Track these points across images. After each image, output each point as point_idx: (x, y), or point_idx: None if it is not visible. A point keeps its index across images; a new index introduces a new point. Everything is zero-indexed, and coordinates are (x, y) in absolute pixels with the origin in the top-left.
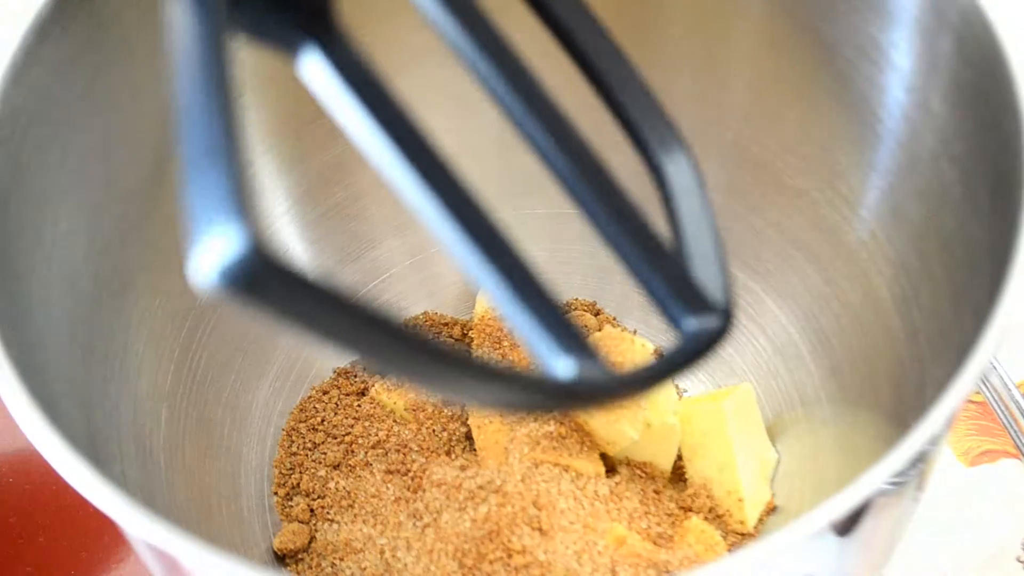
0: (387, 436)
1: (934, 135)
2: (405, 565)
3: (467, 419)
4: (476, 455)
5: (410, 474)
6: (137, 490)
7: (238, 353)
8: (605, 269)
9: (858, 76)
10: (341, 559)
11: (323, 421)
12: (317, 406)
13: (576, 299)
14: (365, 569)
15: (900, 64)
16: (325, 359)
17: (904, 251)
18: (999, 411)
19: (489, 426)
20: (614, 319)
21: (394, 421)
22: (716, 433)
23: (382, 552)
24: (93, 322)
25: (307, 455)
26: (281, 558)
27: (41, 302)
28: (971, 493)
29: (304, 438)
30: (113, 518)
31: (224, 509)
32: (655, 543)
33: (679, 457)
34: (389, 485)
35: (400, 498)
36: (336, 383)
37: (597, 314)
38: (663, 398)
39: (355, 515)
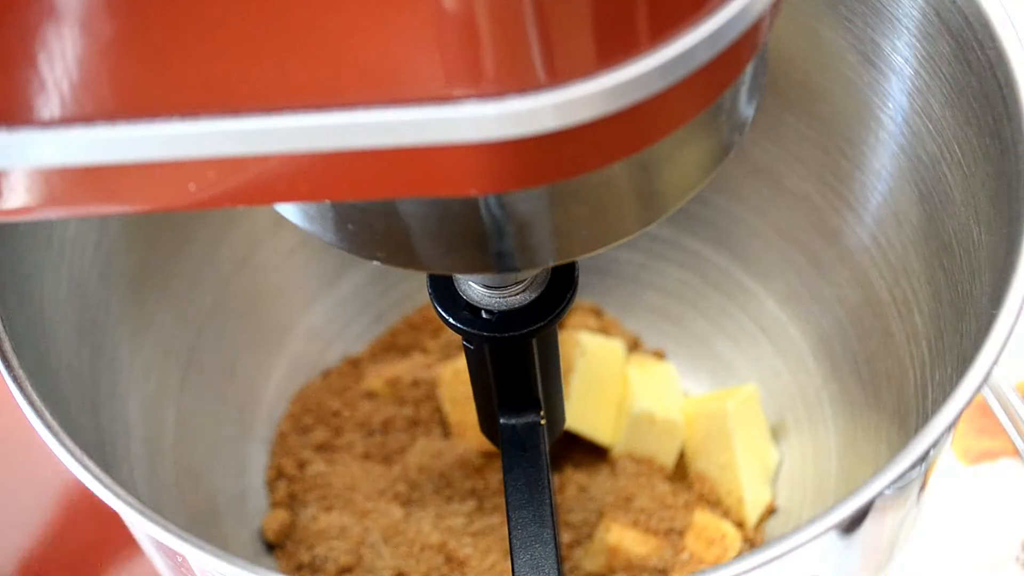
0: (371, 415)
1: (935, 139)
2: (380, 555)
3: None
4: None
5: (391, 458)
6: (146, 489)
7: (245, 355)
8: (607, 271)
9: (860, 80)
10: (313, 546)
11: (319, 405)
12: (317, 391)
13: (578, 301)
14: (338, 559)
15: (902, 69)
16: (330, 361)
17: (905, 254)
18: (999, 411)
19: (463, 403)
20: (617, 321)
21: (379, 400)
22: (719, 433)
23: (357, 541)
24: (102, 323)
25: (297, 439)
26: (273, 545)
27: (51, 303)
28: (971, 492)
29: (297, 421)
30: (122, 516)
31: (231, 508)
32: (666, 538)
33: (682, 456)
34: (368, 470)
35: (379, 486)
36: (340, 369)
37: (600, 316)
38: (669, 393)
39: (330, 502)
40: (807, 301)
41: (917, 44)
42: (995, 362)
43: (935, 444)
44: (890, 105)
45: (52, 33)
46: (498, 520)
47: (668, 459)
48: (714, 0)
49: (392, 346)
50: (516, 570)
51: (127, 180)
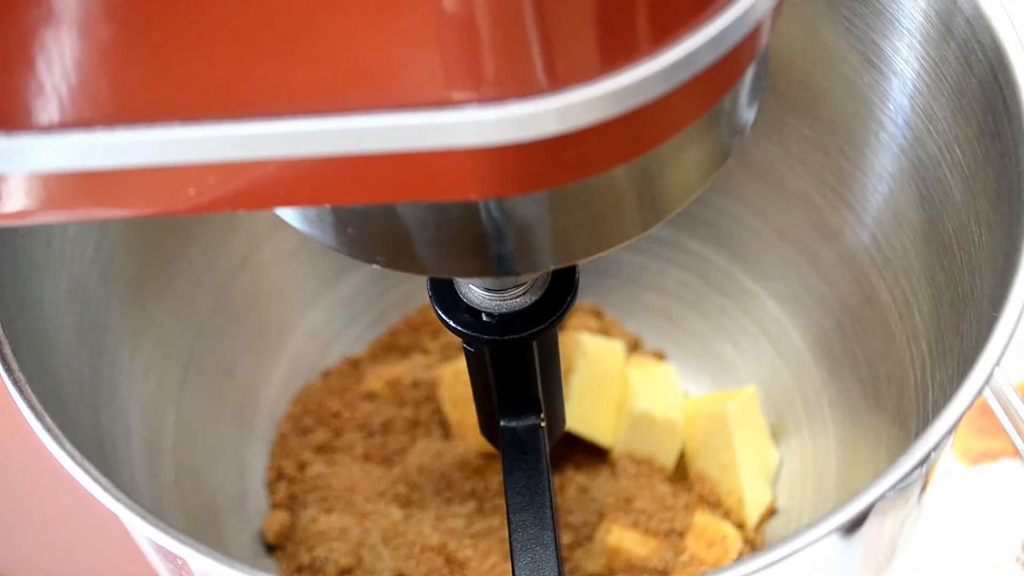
0: (371, 416)
1: (936, 141)
2: (380, 556)
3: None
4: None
5: (391, 459)
6: (146, 490)
7: (245, 355)
8: (607, 272)
9: (860, 81)
10: (313, 548)
11: (319, 406)
12: (317, 392)
13: (578, 302)
14: (338, 560)
15: (903, 70)
16: (330, 362)
17: (906, 255)
18: (999, 411)
19: (463, 404)
20: (617, 322)
21: (379, 401)
22: (719, 434)
23: (357, 543)
24: (102, 324)
25: (297, 440)
26: (273, 547)
27: (51, 304)
28: (971, 493)
29: (297, 422)
30: (122, 519)
31: (231, 509)
32: (666, 539)
33: (682, 456)
34: (368, 471)
35: (379, 487)
36: (340, 370)
37: (600, 317)
38: (668, 395)
39: (330, 504)
40: (807, 302)
41: (918, 46)
42: (996, 365)
43: (936, 447)
44: (891, 106)
45: (51, 37)
46: (498, 522)
47: (668, 460)
48: (715, 4)
49: (392, 347)
50: (517, 572)
51: (127, 185)
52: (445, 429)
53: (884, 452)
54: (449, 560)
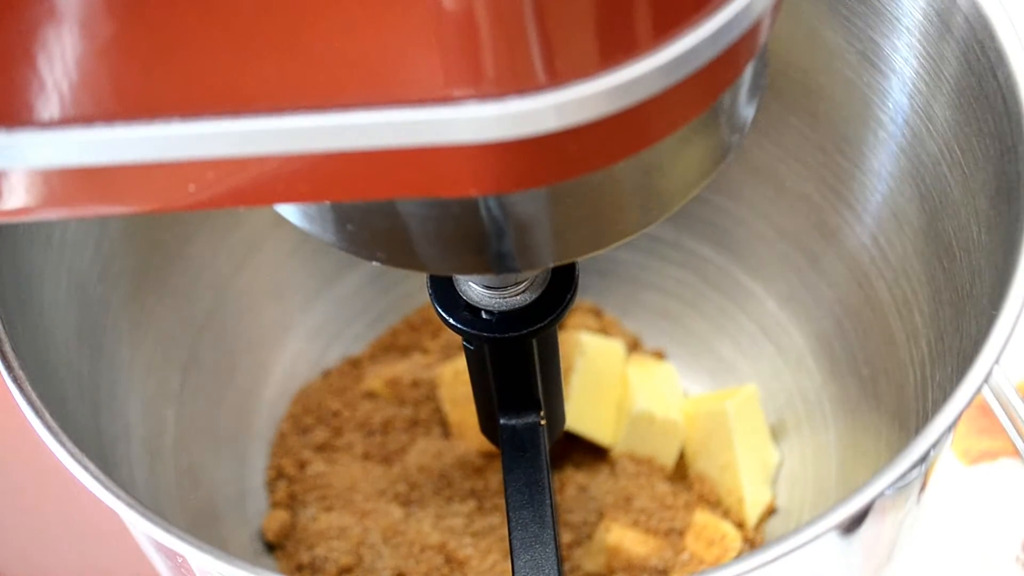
0: (371, 415)
1: (935, 140)
2: (380, 555)
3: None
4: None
5: (391, 458)
6: (146, 489)
7: (245, 355)
8: (607, 272)
9: (860, 80)
10: (313, 546)
11: (319, 405)
12: (317, 391)
13: (578, 302)
14: (338, 559)
15: (902, 69)
16: (330, 361)
17: (905, 255)
18: (999, 411)
19: (463, 403)
20: (617, 321)
21: (379, 400)
22: (719, 433)
23: (357, 541)
24: (102, 324)
25: (297, 439)
26: (273, 546)
27: (51, 304)
28: (971, 492)
29: (297, 421)
30: (122, 516)
31: (231, 509)
32: (666, 538)
33: (682, 456)
34: (368, 470)
35: (379, 486)
36: (340, 369)
37: (599, 316)
38: (668, 394)
39: (330, 502)
40: (807, 301)
41: (917, 44)
42: (995, 362)
43: (935, 444)
44: (890, 105)
45: (51, 33)
46: (498, 520)
47: (668, 459)
48: (715, 0)
49: (392, 346)
50: (516, 571)
51: (126, 181)
52: (445, 428)
53: (884, 451)
54: (449, 559)
